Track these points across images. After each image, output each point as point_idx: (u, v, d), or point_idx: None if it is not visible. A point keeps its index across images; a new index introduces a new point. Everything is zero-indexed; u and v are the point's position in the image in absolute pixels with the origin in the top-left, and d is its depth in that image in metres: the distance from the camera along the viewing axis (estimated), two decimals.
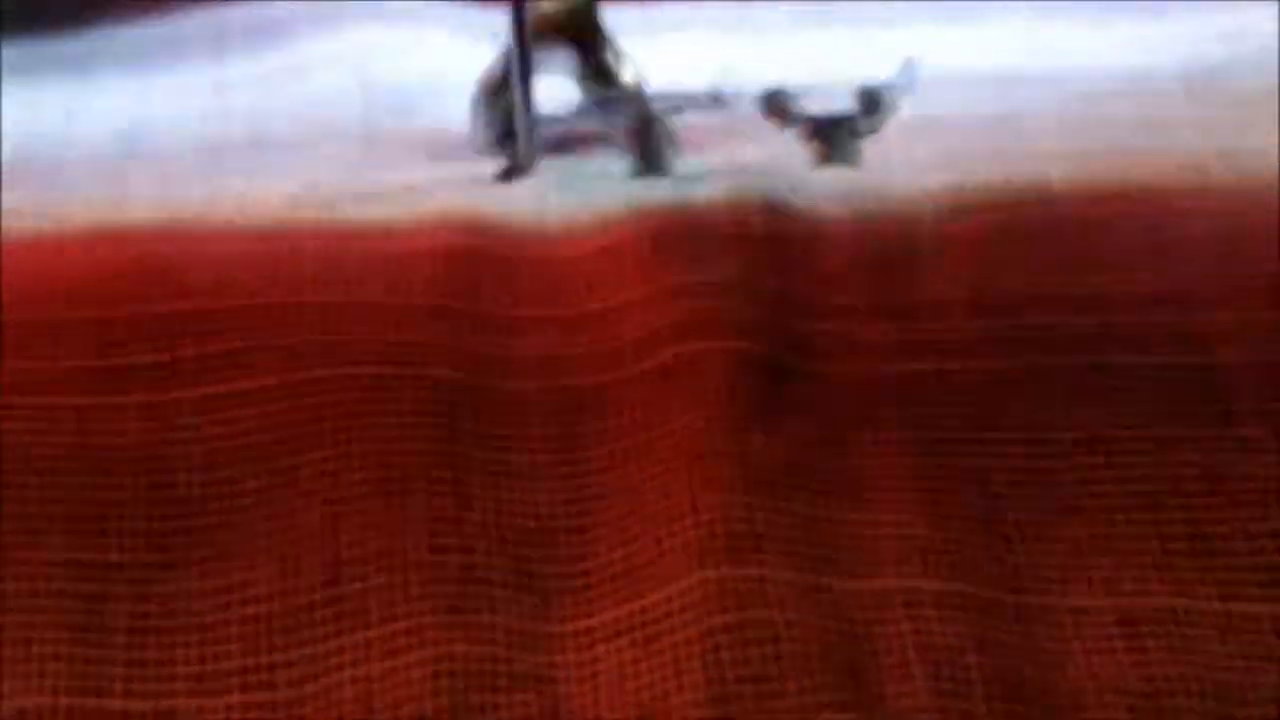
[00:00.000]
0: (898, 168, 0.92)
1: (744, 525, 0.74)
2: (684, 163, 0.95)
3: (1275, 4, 1.04)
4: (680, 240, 0.86)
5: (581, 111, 0.99)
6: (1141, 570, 0.74)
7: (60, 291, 0.85)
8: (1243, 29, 1.05)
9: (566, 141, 0.99)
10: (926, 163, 0.92)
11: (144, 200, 0.94)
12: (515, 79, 0.95)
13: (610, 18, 1.03)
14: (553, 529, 0.77)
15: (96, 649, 0.73)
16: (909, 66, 0.98)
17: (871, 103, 0.97)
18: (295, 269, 0.85)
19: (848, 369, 0.82)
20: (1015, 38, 1.03)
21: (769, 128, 0.96)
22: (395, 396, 0.79)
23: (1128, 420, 0.78)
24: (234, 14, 1.10)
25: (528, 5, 0.97)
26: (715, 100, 0.99)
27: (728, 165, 0.93)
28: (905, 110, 0.97)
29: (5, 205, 0.92)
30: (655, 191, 0.92)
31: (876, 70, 1.00)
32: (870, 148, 0.94)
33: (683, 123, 0.98)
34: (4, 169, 0.97)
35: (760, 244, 0.87)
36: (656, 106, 0.98)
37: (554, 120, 0.98)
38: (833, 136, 0.94)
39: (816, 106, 0.97)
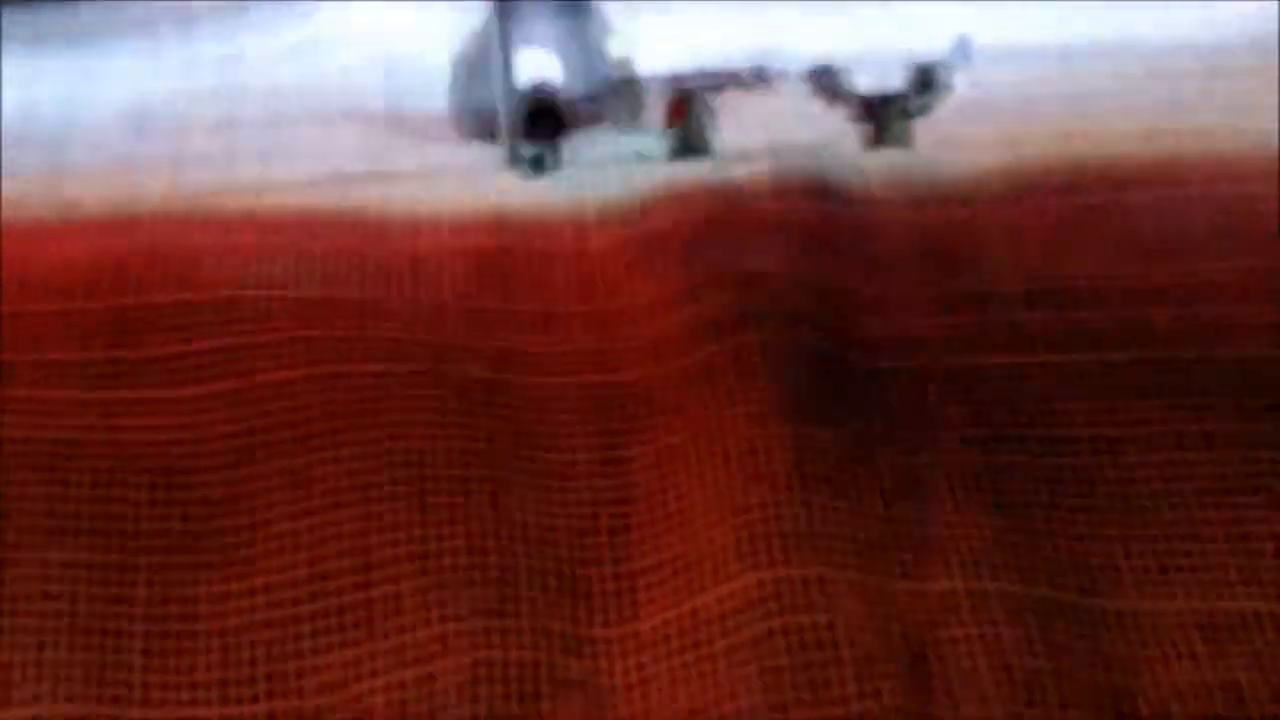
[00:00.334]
0: (953, 149, 0.91)
1: (798, 523, 0.73)
2: (725, 143, 0.94)
3: None
4: (723, 227, 0.86)
5: (599, 90, 0.98)
6: (1223, 573, 0.73)
7: (69, 280, 0.84)
8: None
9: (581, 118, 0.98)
10: (983, 144, 0.91)
11: (156, 184, 0.93)
12: (496, 52, 0.94)
13: None
14: (595, 529, 0.76)
15: (114, 655, 0.72)
16: (963, 43, 0.98)
17: (925, 80, 0.96)
18: (321, 262, 0.84)
19: (903, 363, 0.81)
20: (1075, 9, 1.02)
21: (816, 106, 0.96)
22: (428, 394, 0.79)
23: (1206, 416, 0.78)
24: None
25: None
26: (759, 77, 0.98)
27: (773, 146, 0.92)
28: (960, 88, 0.96)
29: (6, 189, 0.91)
30: (695, 174, 0.91)
31: (929, 46, 0.99)
32: (923, 128, 0.94)
33: (724, 100, 0.97)
34: (4, 148, 0.97)
35: (808, 231, 0.86)
36: (696, 83, 0.97)
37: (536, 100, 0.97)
38: (884, 116, 0.94)
39: (866, 84, 0.97)
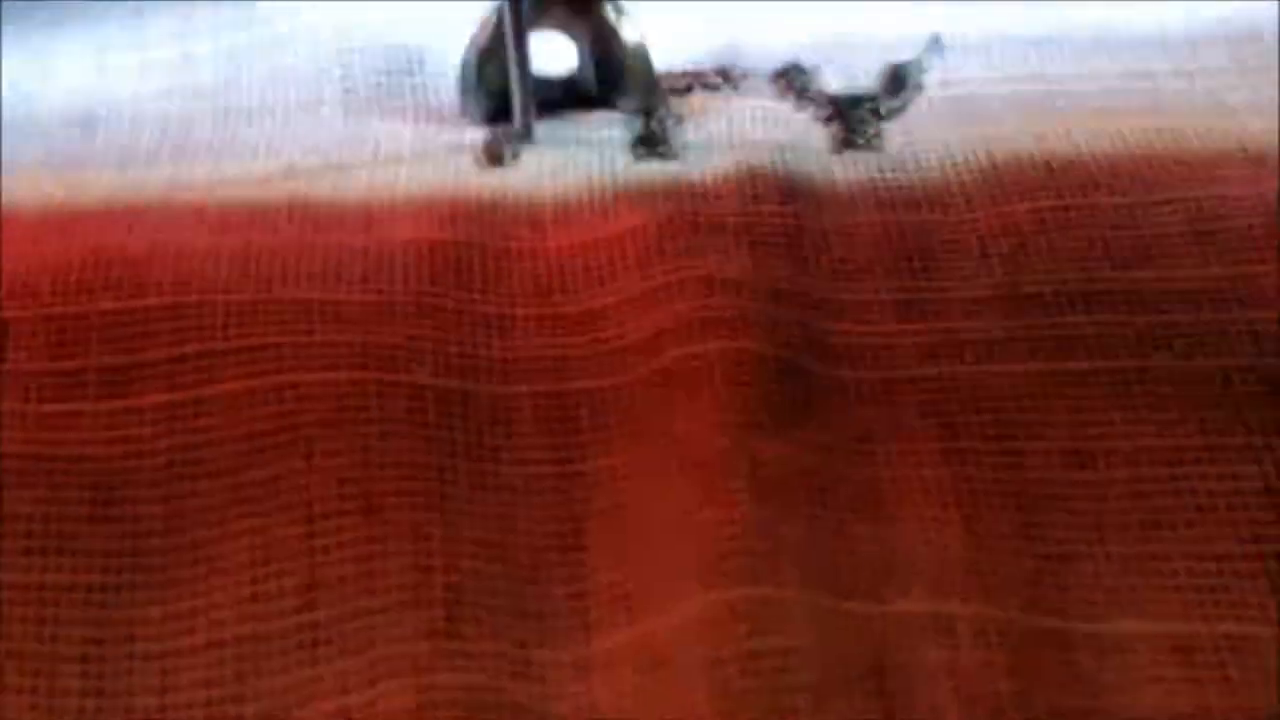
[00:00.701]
0: (923, 150, 0.89)
1: (756, 541, 0.72)
2: (691, 144, 0.92)
3: None
4: (686, 229, 0.84)
5: (581, 78, 0.96)
6: (1196, 593, 0.72)
7: (9, 285, 0.82)
8: None
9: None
10: (955, 145, 0.89)
11: (102, 183, 0.91)
12: (510, 38, 0.92)
13: None
14: (548, 547, 0.75)
15: (48, 679, 0.71)
16: (935, 42, 0.96)
17: (895, 81, 0.94)
18: (267, 262, 0.82)
19: (870, 372, 0.80)
20: (1047, 4, 1.00)
21: (784, 106, 0.94)
22: (375, 403, 0.77)
23: (1179, 428, 0.76)
24: None
25: None
26: (725, 77, 0.96)
27: (738, 146, 0.90)
28: (931, 88, 0.94)
29: None
30: (660, 174, 0.89)
31: (898, 43, 0.98)
32: (893, 128, 0.92)
33: (690, 100, 0.95)
34: None
35: (774, 234, 0.85)
36: (661, 84, 0.95)
37: (548, 85, 0.95)
38: (853, 117, 0.92)
39: (835, 84, 0.95)
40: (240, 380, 0.79)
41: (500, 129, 0.93)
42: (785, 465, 0.75)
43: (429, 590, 0.72)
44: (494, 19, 0.94)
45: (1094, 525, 0.75)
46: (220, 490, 0.76)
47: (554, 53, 0.97)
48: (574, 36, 0.97)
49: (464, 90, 0.96)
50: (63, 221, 0.87)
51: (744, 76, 0.97)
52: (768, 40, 1.00)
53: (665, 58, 0.97)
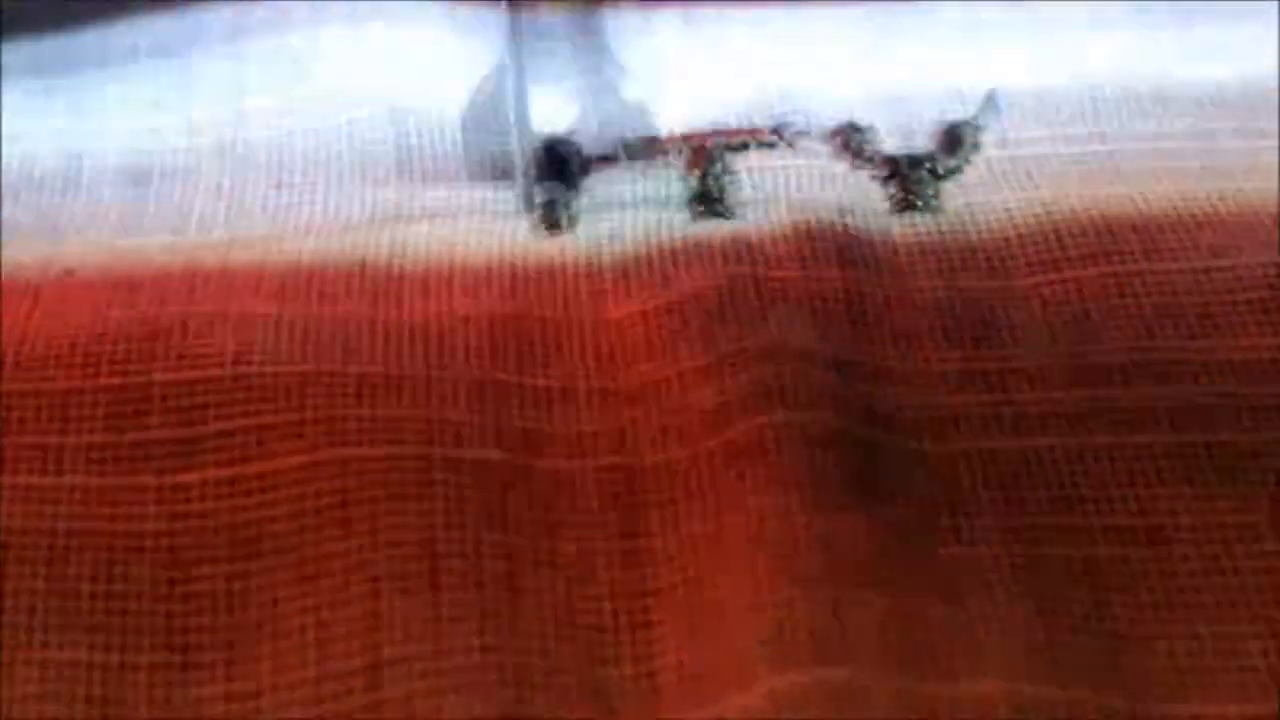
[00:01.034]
0: (981, 213, 0.89)
1: (828, 621, 0.71)
2: (745, 204, 0.91)
3: None
4: (745, 297, 0.84)
5: (628, 149, 0.96)
6: (1271, 674, 0.71)
7: (66, 354, 0.82)
8: None
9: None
10: (1015, 208, 0.89)
11: (157, 245, 0.91)
12: (510, 94, 0.91)
13: (648, 25, 1.00)
14: (614, 626, 0.74)
15: None
16: (992, 98, 0.96)
17: (952, 140, 0.94)
18: (329, 334, 0.82)
19: (935, 445, 0.79)
20: (1109, 54, 0.99)
21: (840, 166, 0.93)
22: (439, 478, 0.77)
23: (1250, 503, 0.76)
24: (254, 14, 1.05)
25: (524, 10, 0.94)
26: (780, 134, 0.96)
27: (796, 207, 0.90)
28: (988, 147, 0.94)
29: (4, 252, 0.89)
30: (718, 234, 0.88)
31: (949, 96, 0.97)
32: (952, 190, 0.91)
33: (745, 159, 0.94)
34: (2, 204, 0.94)
35: (835, 300, 0.84)
36: (715, 140, 0.95)
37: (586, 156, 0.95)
38: (911, 178, 0.92)
39: (889, 142, 0.94)
40: (302, 454, 0.78)
41: (556, 190, 0.92)
42: (853, 542, 0.75)
43: (497, 671, 0.72)
44: (493, 76, 0.93)
45: (1165, 604, 0.74)
46: (283, 567, 0.76)
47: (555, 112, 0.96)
48: (576, 97, 0.96)
49: (464, 150, 0.96)
50: (122, 287, 0.86)
51: (799, 134, 0.96)
52: (818, 92, 0.99)
53: (718, 113, 0.97)
